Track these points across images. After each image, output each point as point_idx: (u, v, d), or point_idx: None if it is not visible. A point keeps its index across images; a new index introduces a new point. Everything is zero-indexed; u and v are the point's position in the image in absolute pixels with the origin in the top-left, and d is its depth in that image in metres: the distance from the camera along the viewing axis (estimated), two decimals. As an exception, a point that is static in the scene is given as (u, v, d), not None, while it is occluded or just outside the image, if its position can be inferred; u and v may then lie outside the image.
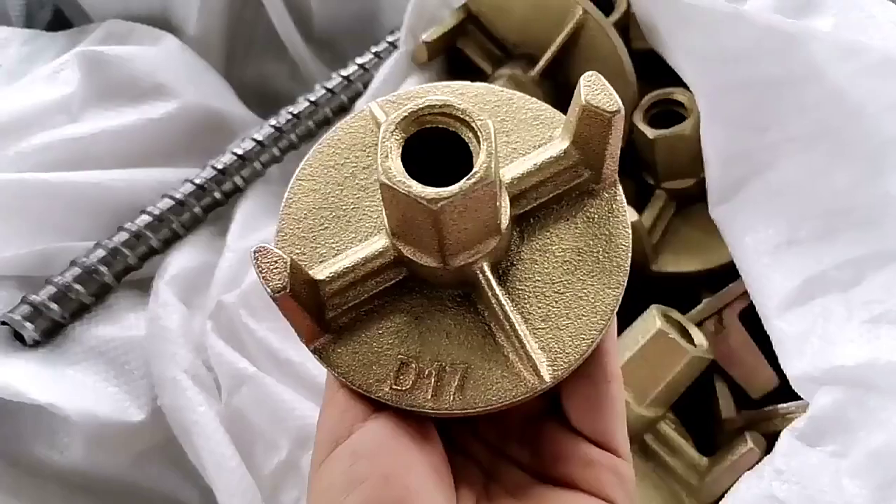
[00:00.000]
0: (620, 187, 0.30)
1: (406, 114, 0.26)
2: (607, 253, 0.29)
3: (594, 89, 0.27)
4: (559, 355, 0.27)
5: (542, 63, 0.58)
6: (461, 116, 0.26)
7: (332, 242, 0.29)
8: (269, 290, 0.26)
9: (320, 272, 0.28)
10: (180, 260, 0.57)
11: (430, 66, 0.63)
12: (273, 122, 0.64)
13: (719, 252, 0.53)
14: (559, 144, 0.29)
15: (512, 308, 0.28)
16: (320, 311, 0.28)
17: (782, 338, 0.45)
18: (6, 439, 0.51)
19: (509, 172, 0.29)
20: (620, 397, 0.30)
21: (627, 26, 0.60)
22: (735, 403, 0.51)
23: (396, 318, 0.28)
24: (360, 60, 0.68)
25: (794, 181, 0.48)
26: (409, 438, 0.27)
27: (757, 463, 0.43)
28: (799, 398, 0.45)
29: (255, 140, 0.63)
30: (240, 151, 0.62)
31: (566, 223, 0.29)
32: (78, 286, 0.54)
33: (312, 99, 0.65)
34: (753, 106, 0.50)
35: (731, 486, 0.42)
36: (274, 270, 0.26)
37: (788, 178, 0.48)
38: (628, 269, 0.29)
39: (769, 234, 0.48)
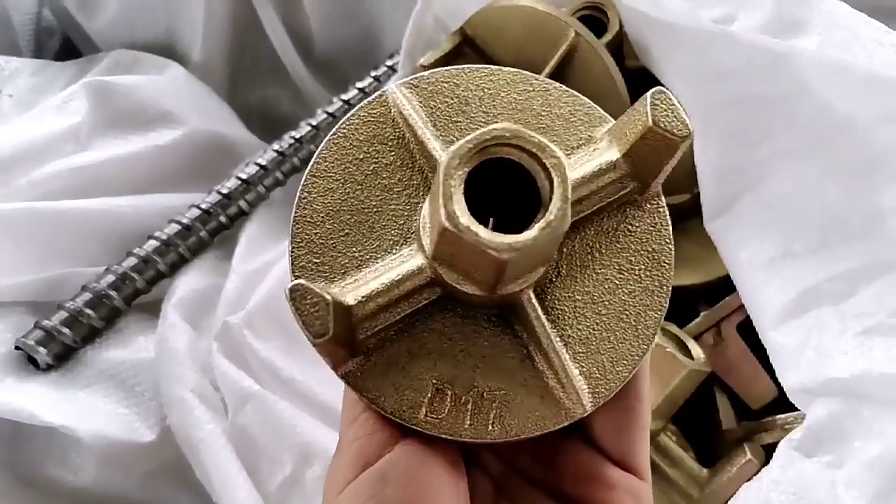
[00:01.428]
0: (664, 199, 0.28)
1: (471, 145, 0.23)
2: (649, 271, 0.27)
3: (664, 109, 0.25)
4: (600, 382, 0.26)
5: (537, 84, 0.59)
6: (533, 151, 0.24)
7: (355, 251, 0.27)
8: (309, 336, 0.23)
9: (350, 294, 0.25)
10: (187, 283, 0.59)
11: (429, 89, 0.64)
12: (276, 146, 0.65)
13: (716, 266, 0.53)
14: (608, 154, 0.27)
15: (553, 333, 0.26)
16: (351, 336, 0.26)
17: (778, 350, 0.46)
18: (21, 461, 0.52)
19: None
20: (648, 417, 0.29)
21: (621, 45, 0.61)
22: (735, 414, 0.52)
23: (429, 340, 0.26)
24: (359, 84, 0.69)
25: (786, 195, 0.49)
26: (438, 466, 0.26)
27: (756, 474, 0.43)
28: (797, 409, 0.46)
29: (258, 165, 0.64)
30: (244, 176, 0.63)
31: (607, 237, 0.27)
32: (89, 311, 0.55)
33: (314, 123, 0.67)
34: (745, 122, 0.51)
35: (731, 497, 0.43)
36: (315, 314, 0.23)
37: (781, 192, 0.49)
38: (671, 288, 0.27)
39: (763, 247, 0.49)
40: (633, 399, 0.28)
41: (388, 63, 0.71)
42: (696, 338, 0.52)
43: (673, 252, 0.28)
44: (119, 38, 0.76)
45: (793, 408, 0.46)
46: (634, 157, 0.26)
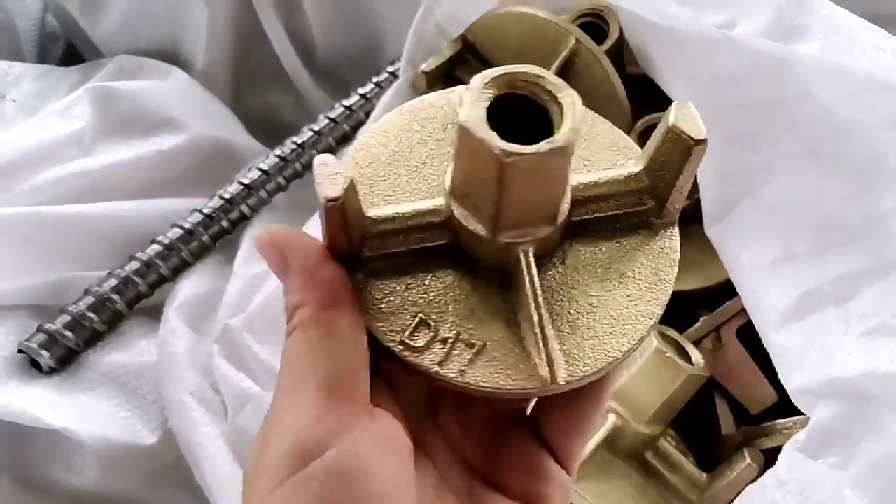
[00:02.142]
0: (678, 229, 0.29)
1: (502, 72, 0.26)
2: (649, 284, 0.28)
3: (684, 115, 0.27)
4: (577, 363, 0.27)
5: (538, 90, 0.60)
6: (553, 91, 0.25)
7: (388, 193, 0.29)
8: (322, 198, 0.25)
9: (369, 211, 0.28)
10: (189, 287, 0.59)
11: (430, 95, 0.64)
12: (278, 151, 0.66)
13: (716, 270, 0.54)
14: (631, 167, 0.29)
15: (543, 303, 0.27)
16: (359, 246, 0.27)
17: (781, 352, 0.46)
18: (24, 463, 0.52)
19: (576, 178, 0.28)
20: (596, 423, 0.30)
21: (621, 51, 0.62)
22: (735, 419, 0.52)
23: (428, 280, 0.28)
24: (361, 90, 0.70)
25: (787, 199, 0.49)
26: (393, 456, 0.24)
27: (755, 479, 0.43)
28: (797, 414, 0.46)
29: (260, 170, 0.64)
30: (246, 181, 0.64)
31: (617, 244, 0.29)
32: (91, 314, 0.56)
33: (316, 129, 0.67)
34: (746, 127, 0.51)
35: (731, 501, 0.43)
36: (332, 180, 0.25)
37: (782, 196, 0.50)
38: (665, 305, 0.28)
39: (765, 250, 0.49)
40: (591, 406, 0.29)
41: (390, 69, 0.71)
42: (696, 343, 0.52)
43: (675, 276, 0.29)
44: (123, 44, 0.77)
45: (793, 412, 0.46)
46: (653, 166, 0.28)
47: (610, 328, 0.28)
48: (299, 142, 0.66)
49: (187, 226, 0.61)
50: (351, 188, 0.25)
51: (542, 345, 0.26)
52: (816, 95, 0.48)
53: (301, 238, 0.26)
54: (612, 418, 0.47)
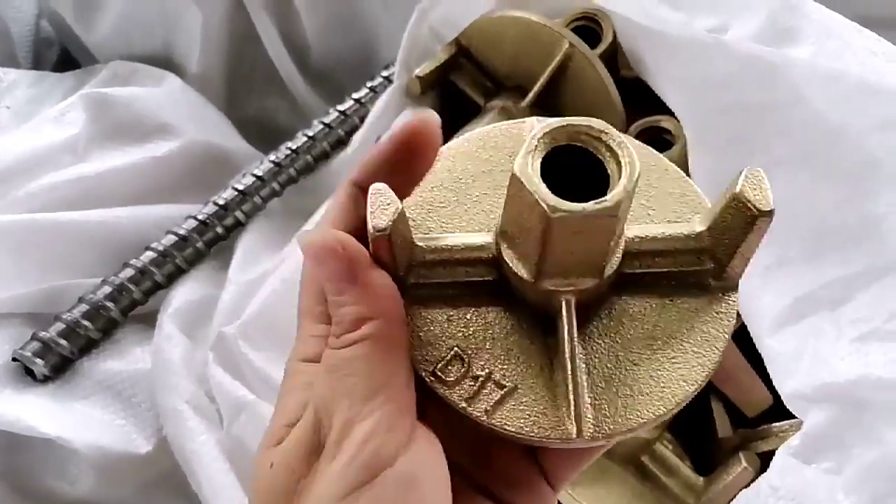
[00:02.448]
0: (737, 295, 0.28)
1: (564, 124, 0.25)
2: (697, 349, 0.27)
3: (753, 184, 0.26)
4: (606, 420, 0.26)
5: (531, 95, 0.60)
6: (612, 146, 0.25)
7: (443, 221, 0.29)
8: (371, 227, 0.25)
9: (419, 240, 0.28)
10: (183, 294, 0.59)
11: (424, 100, 0.64)
12: (272, 157, 0.66)
13: (710, 274, 0.53)
14: (695, 225, 0.27)
15: (581, 354, 0.27)
16: (405, 272, 0.28)
17: (774, 357, 0.46)
18: (19, 472, 0.52)
19: (635, 229, 0.28)
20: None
21: (615, 55, 0.62)
22: (731, 423, 0.52)
23: (470, 314, 0.28)
24: (356, 95, 0.70)
25: (780, 203, 0.48)
26: (444, 468, 0.26)
27: (751, 482, 0.43)
28: (793, 417, 0.46)
29: (255, 175, 0.64)
30: (240, 187, 0.64)
31: (669, 302, 0.28)
32: (86, 322, 0.56)
33: (310, 134, 0.67)
34: (739, 131, 0.51)
35: (727, 504, 0.43)
36: (384, 210, 0.25)
37: (775, 200, 0.49)
38: (712, 373, 0.27)
39: (759, 255, 0.49)
40: (597, 449, 0.29)
41: (385, 74, 0.71)
42: (692, 346, 0.52)
43: (727, 342, 0.28)
44: (117, 50, 0.77)
45: (788, 416, 0.46)
46: (716, 229, 0.27)
47: (647, 389, 0.27)
48: (294, 147, 0.66)
49: (182, 232, 0.61)
50: (401, 219, 0.26)
51: (572, 397, 0.26)
52: (808, 99, 0.48)
53: (366, 250, 0.27)
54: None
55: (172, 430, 0.51)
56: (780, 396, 0.45)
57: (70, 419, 0.51)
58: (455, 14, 0.63)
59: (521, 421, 0.27)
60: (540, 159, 0.25)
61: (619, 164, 0.25)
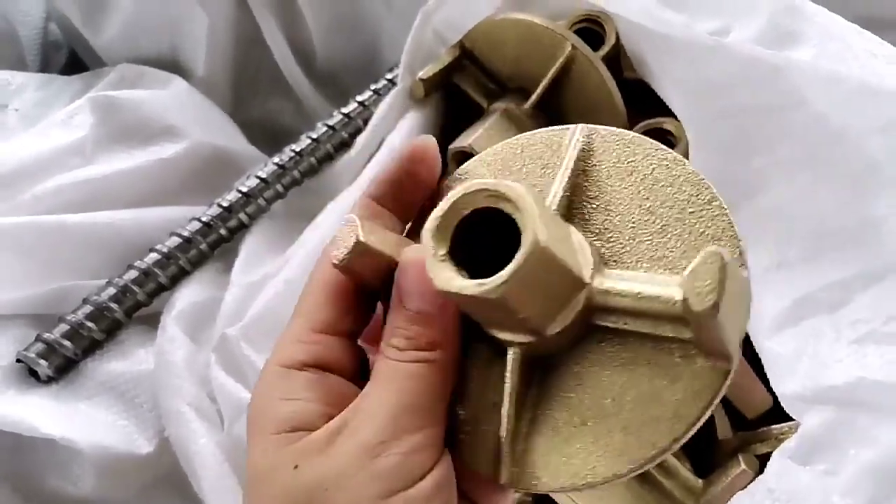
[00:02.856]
0: (726, 382, 0.24)
1: (475, 189, 0.24)
2: (652, 428, 0.24)
3: (702, 272, 0.21)
4: (527, 474, 0.26)
5: (534, 97, 0.60)
6: (521, 218, 0.23)
7: None
8: (332, 259, 0.27)
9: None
10: (187, 295, 0.59)
11: (428, 102, 0.65)
12: (276, 159, 0.66)
13: (711, 276, 0.53)
14: (673, 289, 0.24)
15: (533, 400, 0.26)
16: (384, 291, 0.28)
17: (773, 359, 0.46)
18: (22, 473, 0.53)
19: (610, 280, 0.25)
20: None
21: (618, 57, 0.62)
22: (731, 424, 0.52)
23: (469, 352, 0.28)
24: (360, 98, 0.70)
25: (780, 205, 0.49)
26: (453, 493, 0.27)
27: (750, 484, 0.43)
28: (793, 419, 0.46)
29: (259, 178, 0.65)
30: (244, 189, 0.64)
31: (642, 367, 0.25)
32: (90, 323, 0.56)
33: (314, 136, 0.67)
34: (740, 133, 0.51)
35: (724, 507, 0.43)
36: (343, 244, 0.27)
37: (775, 202, 0.50)
38: (663, 456, 0.24)
39: (758, 257, 0.49)
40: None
41: (388, 76, 0.71)
42: (693, 348, 0.51)
43: (691, 426, 0.24)
44: (124, 53, 0.77)
45: (788, 417, 0.45)
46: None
47: (585, 454, 0.25)
48: (298, 150, 0.67)
49: (186, 234, 0.61)
50: (363, 251, 0.26)
51: (507, 444, 0.26)
52: (810, 101, 0.48)
53: None
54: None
55: (174, 431, 0.51)
56: (779, 398, 0.45)
57: (73, 420, 0.52)
58: (458, 17, 0.63)
59: (463, 446, 0.27)
60: (450, 224, 0.24)
61: (525, 232, 0.23)
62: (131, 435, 0.52)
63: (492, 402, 0.27)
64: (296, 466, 0.26)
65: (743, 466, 0.46)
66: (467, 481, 0.29)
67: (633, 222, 0.27)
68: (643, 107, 0.60)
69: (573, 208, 0.28)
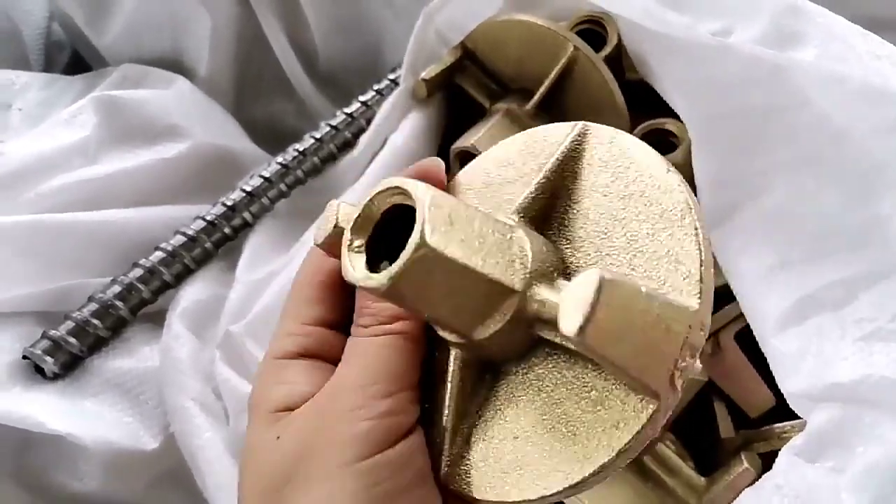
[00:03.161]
0: (652, 417, 0.23)
1: (382, 189, 0.24)
2: (586, 445, 0.23)
3: (577, 290, 0.21)
4: (463, 479, 0.26)
5: (536, 97, 0.60)
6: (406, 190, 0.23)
7: None
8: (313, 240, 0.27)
9: None
10: (192, 293, 0.60)
11: (430, 102, 0.65)
12: (280, 159, 0.66)
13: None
14: None
15: (454, 397, 0.26)
16: None
17: (778, 357, 0.46)
18: (28, 469, 0.53)
19: (549, 291, 0.24)
20: None
21: (620, 58, 0.62)
22: (733, 423, 0.52)
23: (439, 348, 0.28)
24: (362, 98, 0.70)
25: (784, 205, 0.50)
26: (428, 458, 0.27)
27: (753, 482, 0.43)
28: (795, 418, 0.46)
29: (262, 177, 0.65)
30: (248, 188, 0.64)
31: (584, 384, 0.24)
32: (95, 321, 0.56)
33: (317, 136, 0.68)
34: (743, 133, 0.51)
35: (728, 504, 0.43)
36: (324, 228, 0.27)
37: (779, 202, 0.50)
38: (588, 480, 0.24)
39: (762, 256, 0.49)
40: None
41: (391, 76, 0.72)
42: (696, 347, 0.52)
43: (626, 446, 0.23)
44: (127, 53, 0.78)
45: (791, 416, 0.46)
46: None
47: (516, 469, 0.25)
48: (301, 149, 0.67)
49: (190, 233, 0.62)
50: (342, 233, 0.26)
51: (446, 440, 0.27)
52: (813, 102, 0.48)
53: None
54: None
55: (179, 426, 0.51)
56: (782, 397, 0.45)
57: (79, 416, 0.52)
58: (461, 17, 0.64)
59: (427, 429, 0.27)
60: (369, 220, 0.25)
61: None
62: (137, 431, 0.52)
63: (436, 404, 0.28)
64: (277, 438, 0.27)
65: (745, 465, 0.47)
66: None
67: (605, 233, 0.26)
68: (645, 108, 0.60)
69: (554, 210, 0.27)
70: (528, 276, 0.24)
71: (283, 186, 0.66)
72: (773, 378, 0.47)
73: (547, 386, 0.25)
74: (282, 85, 0.80)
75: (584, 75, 0.60)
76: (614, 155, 0.27)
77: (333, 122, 0.69)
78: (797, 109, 0.48)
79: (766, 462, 0.45)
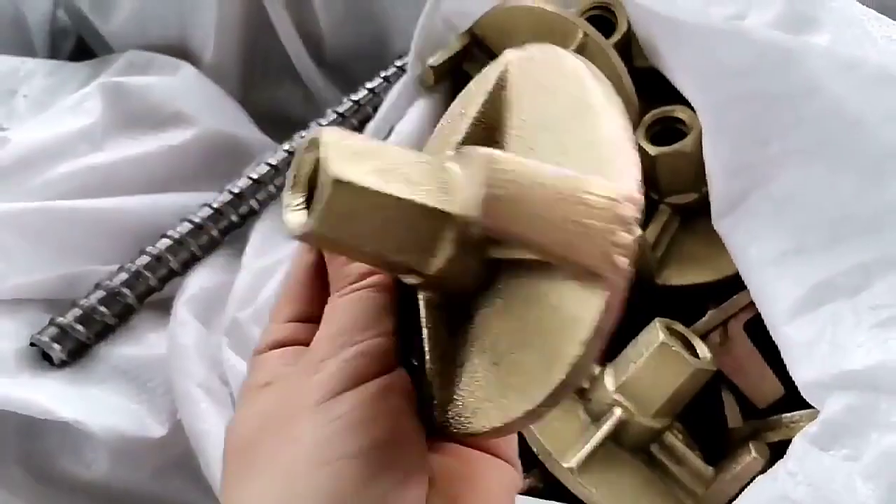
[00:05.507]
0: (602, 288, 0.22)
1: (294, 162, 0.24)
2: (547, 358, 0.23)
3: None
4: (460, 419, 0.26)
5: (546, 83, 0.60)
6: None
7: None
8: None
9: None
10: (198, 280, 0.60)
11: (438, 90, 0.64)
12: (286, 146, 0.66)
13: (723, 264, 0.53)
14: None
15: (441, 342, 0.26)
16: None
17: (791, 345, 0.46)
18: (36, 455, 0.53)
19: None
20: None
21: (629, 44, 0.61)
22: (741, 413, 0.52)
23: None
24: (369, 85, 0.70)
25: (797, 192, 0.49)
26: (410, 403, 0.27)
27: (760, 473, 0.43)
28: (804, 408, 0.46)
29: (269, 164, 0.65)
30: (255, 175, 0.64)
31: (540, 297, 0.23)
32: (102, 308, 0.56)
33: (324, 123, 0.67)
34: (755, 119, 0.51)
35: (737, 495, 0.43)
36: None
37: (792, 188, 0.49)
38: (556, 395, 0.23)
39: (774, 243, 0.49)
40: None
41: (398, 63, 0.71)
42: (703, 336, 0.51)
43: (582, 350, 0.22)
44: (133, 39, 0.77)
45: (799, 406, 0.45)
46: None
47: (504, 392, 0.24)
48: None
49: (197, 220, 0.62)
50: None
51: (424, 383, 0.26)
52: (826, 87, 0.47)
53: None
54: (617, 412, 0.47)
55: (185, 411, 0.51)
56: (791, 387, 0.45)
57: (86, 403, 0.52)
58: (468, 4, 0.63)
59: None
60: (300, 179, 0.24)
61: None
62: (144, 419, 0.52)
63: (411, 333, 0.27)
64: (255, 405, 0.27)
65: (753, 454, 0.46)
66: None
67: (542, 143, 0.25)
68: (655, 95, 0.59)
69: (493, 141, 0.27)
70: (465, 198, 0.24)
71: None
72: (781, 368, 0.46)
73: (516, 307, 0.25)
74: (288, 72, 0.80)
75: (594, 62, 0.58)
76: (535, 68, 0.28)
77: (340, 110, 0.69)
78: (810, 95, 0.48)
79: (775, 452, 0.45)
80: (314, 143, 0.24)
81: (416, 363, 0.27)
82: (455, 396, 0.26)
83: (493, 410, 0.25)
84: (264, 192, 0.65)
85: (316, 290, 0.30)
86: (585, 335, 0.22)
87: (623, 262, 0.21)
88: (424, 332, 0.27)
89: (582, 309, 0.22)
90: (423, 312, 0.26)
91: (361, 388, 0.25)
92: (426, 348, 0.27)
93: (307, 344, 0.29)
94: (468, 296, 0.26)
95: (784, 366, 0.46)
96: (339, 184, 0.22)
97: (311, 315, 0.30)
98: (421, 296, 0.27)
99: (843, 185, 0.47)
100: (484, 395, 0.25)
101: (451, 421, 0.26)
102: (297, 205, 0.24)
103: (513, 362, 0.24)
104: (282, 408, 0.26)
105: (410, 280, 0.26)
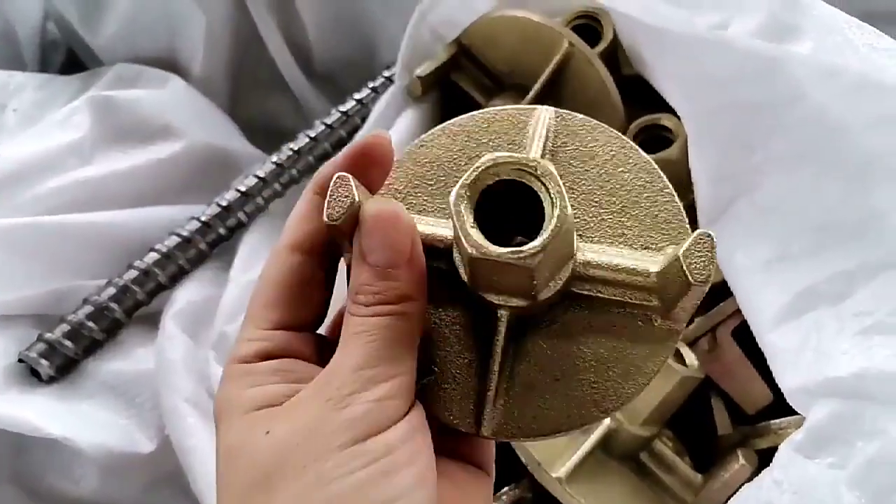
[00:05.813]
0: (678, 340, 0.28)
1: (504, 160, 0.26)
2: (619, 381, 0.27)
3: (696, 250, 0.25)
4: (509, 426, 0.28)
5: (532, 93, 0.60)
6: (549, 188, 0.25)
7: (426, 198, 0.30)
8: (325, 216, 0.26)
9: None
10: (186, 294, 0.60)
11: (426, 100, 0.65)
12: (274, 158, 0.66)
13: (711, 271, 0.53)
14: (650, 262, 0.27)
15: (511, 358, 0.28)
16: None
17: (776, 352, 0.46)
18: (25, 472, 0.53)
19: (590, 252, 0.28)
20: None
21: (615, 53, 0.62)
22: (731, 419, 0.52)
23: (435, 301, 0.29)
24: (357, 96, 0.70)
25: (781, 199, 0.49)
26: (429, 438, 0.27)
27: (748, 479, 0.43)
28: (793, 414, 0.46)
29: (257, 176, 0.65)
30: (242, 188, 0.64)
31: (610, 329, 0.28)
32: (90, 323, 0.56)
33: (312, 135, 0.67)
34: (739, 127, 0.51)
35: (725, 502, 0.43)
36: (340, 201, 0.26)
37: (776, 196, 0.49)
38: (619, 407, 0.28)
39: (759, 250, 0.49)
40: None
41: (386, 74, 0.71)
42: (692, 344, 0.52)
43: (648, 381, 0.28)
44: (122, 52, 0.77)
45: (788, 412, 0.45)
46: (663, 277, 0.27)
47: (558, 406, 0.28)
48: (295, 148, 0.67)
49: (185, 234, 0.61)
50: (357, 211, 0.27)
51: (485, 395, 0.28)
52: (809, 95, 0.48)
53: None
54: (606, 421, 0.47)
55: (172, 427, 0.51)
56: (779, 393, 0.45)
57: (75, 419, 0.52)
58: (455, 14, 0.63)
59: (437, 404, 0.28)
60: (477, 191, 0.26)
61: (552, 206, 0.25)
62: (133, 434, 0.52)
63: (467, 362, 0.28)
64: (267, 432, 0.26)
65: (742, 461, 0.46)
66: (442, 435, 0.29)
67: (596, 202, 0.29)
68: (641, 103, 0.60)
69: None
70: (577, 241, 0.28)
71: (277, 186, 0.66)
72: (770, 375, 0.46)
73: (575, 332, 0.28)
74: (277, 83, 0.80)
75: (580, 71, 0.59)
76: (587, 135, 0.30)
77: (328, 121, 0.69)
78: (793, 103, 0.48)
79: (764, 459, 0.45)
80: (518, 167, 0.26)
81: (434, 369, 0.29)
82: (507, 407, 0.28)
83: (551, 419, 0.28)
84: (252, 204, 0.65)
85: (304, 296, 0.29)
86: (644, 380, 0.27)
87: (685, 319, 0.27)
88: (497, 348, 0.28)
89: (663, 343, 0.27)
90: (501, 330, 0.28)
91: (390, 434, 0.25)
92: (497, 364, 0.28)
93: (303, 357, 0.28)
94: (531, 317, 0.28)
95: (772, 372, 0.46)
96: (569, 223, 0.26)
97: (301, 322, 0.29)
98: (502, 315, 0.28)
99: (827, 191, 0.47)
100: (542, 405, 0.28)
101: (502, 429, 0.28)
102: (473, 223, 0.25)
103: (577, 380, 0.28)
104: (305, 442, 0.25)
105: (509, 301, 0.27)
